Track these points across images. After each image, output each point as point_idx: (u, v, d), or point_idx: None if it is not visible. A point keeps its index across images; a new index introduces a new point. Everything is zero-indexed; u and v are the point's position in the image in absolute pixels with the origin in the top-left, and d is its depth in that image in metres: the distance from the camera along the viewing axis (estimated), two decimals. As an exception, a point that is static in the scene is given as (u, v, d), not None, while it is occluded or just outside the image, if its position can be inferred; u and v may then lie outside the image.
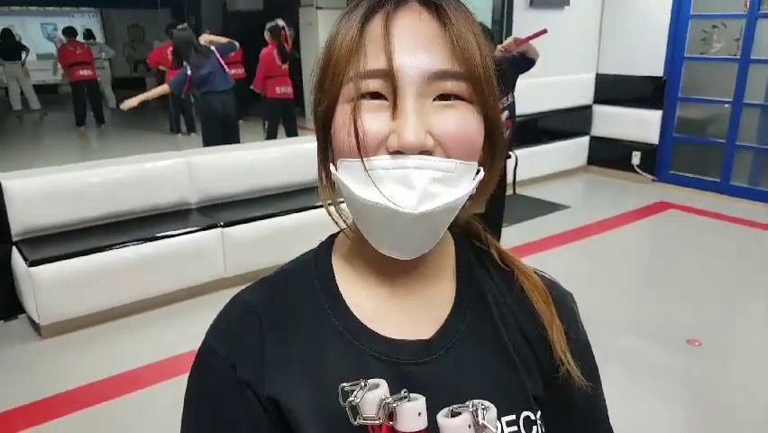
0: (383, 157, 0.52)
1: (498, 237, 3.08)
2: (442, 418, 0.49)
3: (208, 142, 4.98)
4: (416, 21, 0.53)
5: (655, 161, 5.99)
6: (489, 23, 5.25)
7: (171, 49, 7.88)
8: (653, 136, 5.95)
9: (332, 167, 0.57)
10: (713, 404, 2.56)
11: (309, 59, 9.20)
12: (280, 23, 6.43)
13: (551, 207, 5.07)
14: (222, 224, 3.54)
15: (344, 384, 0.50)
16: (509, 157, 3.11)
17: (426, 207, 0.51)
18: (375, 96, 0.53)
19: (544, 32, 3.16)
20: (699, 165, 5.86)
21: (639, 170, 6.05)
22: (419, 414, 0.49)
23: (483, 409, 0.49)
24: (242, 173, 3.94)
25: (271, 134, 6.44)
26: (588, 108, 6.33)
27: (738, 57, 5.31)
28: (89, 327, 3.15)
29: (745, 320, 3.30)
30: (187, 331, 3.13)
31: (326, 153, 0.59)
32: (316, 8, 8.50)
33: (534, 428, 0.60)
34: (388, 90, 0.52)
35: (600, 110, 6.32)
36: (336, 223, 0.65)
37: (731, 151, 5.52)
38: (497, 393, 0.58)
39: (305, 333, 0.60)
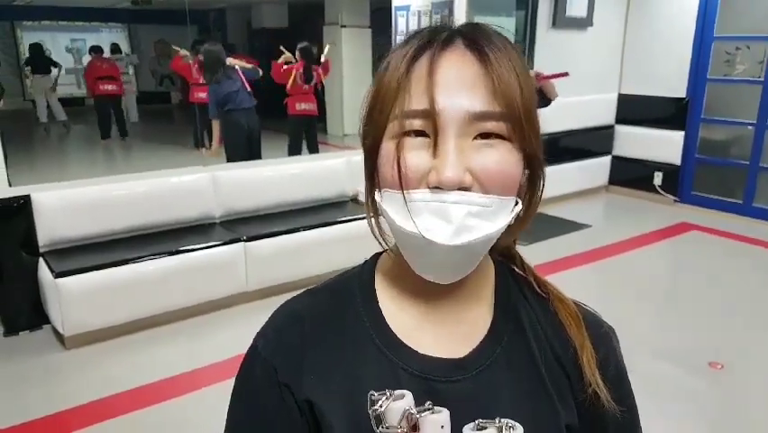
0: (423, 191, 0.55)
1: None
2: (468, 430, 0.50)
3: (232, 157, 5.07)
4: (460, 62, 0.56)
5: (677, 181, 5.94)
6: (510, 43, 5.27)
7: (197, 65, 8.07)
8: (675, 157, 5.91)
9: (377, 194, 0.61)
10: (734, 428, 2.52)
11: (332, 77, 9.30)
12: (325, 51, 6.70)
13: (572, 227, 5.05)
14: (245, 238, 3.59)
15: (373, 392, 0.52)
16: None
17: (462, 240, 0.54)
18: (418, 133, 0.56)
19: (566, 74, 3.19)
20: (722, 186, 5.79)
21: (661, 191, 6.00)
22: (442, 427, 0.50)
23: (510, 427, 0.50)
24: (264, 188, 4.00)
25: (293, 150, 6.52)
26: (610, 128, 6.31)
27: (762, 79, 5.27)
28: (113, 339, 3.20)
29: (758, 346, 3.25)
30: (209, 344, 3.19)
31: (373, 180, 0.63)
32: (341, 27, 8.61)
33: None
34: (431, 129, 0.55)
35: (622, 130, 6.29)
36: (380, 243, 0.68)
37: (754, 172, 5.46)
38: (528, 419, 0.59)
39: (344, 344, 0.63)
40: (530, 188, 0.62)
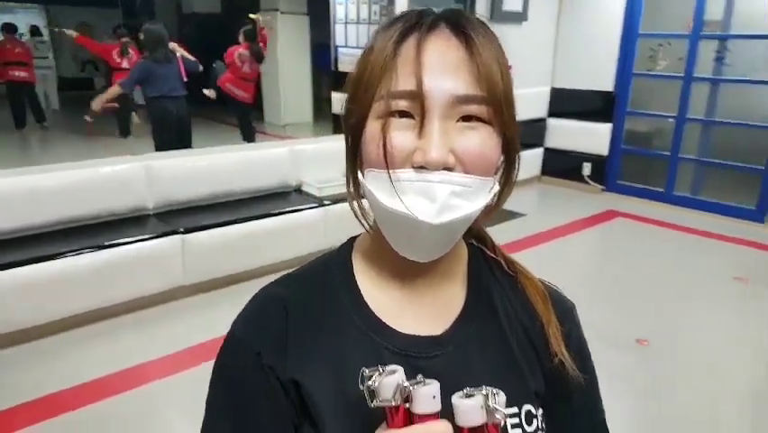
0: (408, 171, 0.57)
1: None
2: (456, 399, 0.52)
3: (160, 146, 4.91)
4: (445, 46, 0.57)
5: (605, 171, 6.21)
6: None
7: (118, 50, 7.73)
8: (602, 148, 6.17)
9: (360, 174, 0.62)
10: (662, 400, 2.69)
11: (268, 63, 9.13)
12: (259, 21, 6.50)
13: (508, 216, 5.20)
14: (182, 230, 3.48)
15: (365, 369, 0.53)
16: None
17: (445, 218, 0.56)
18: (403, 114, 0.57)
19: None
20: (646, 176, 6.11)
21: (589, 181, 6.27)
22: (434, 397, 0.52)
23: (495, 393, 0.52)
24: (202, 178, 3.89)
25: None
26: (542, 121, 6.52)
27: (682, 74, 5.57)
28: (43, 338, 3.04)
29: (689, 320, 3.47)
30: (144, 340, 3.09)
31: (355, 161, 0.64)
32: (280, 12, 8.47)
33: (535, 421, 0.65)
34: (416, 110, 0.57)
35: (554, 123, 6.51)
36: (361, 223, 0.69)
37: (675, 162, 5.79)
38: (503, 385, 0.61)
39: (326, 324, 0.65)
40: (505, 172, 0.65)
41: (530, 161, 6.50)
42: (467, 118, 0.58)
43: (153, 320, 3.31)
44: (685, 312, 3.59)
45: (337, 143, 4.75)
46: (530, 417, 0.65)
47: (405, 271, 0.66)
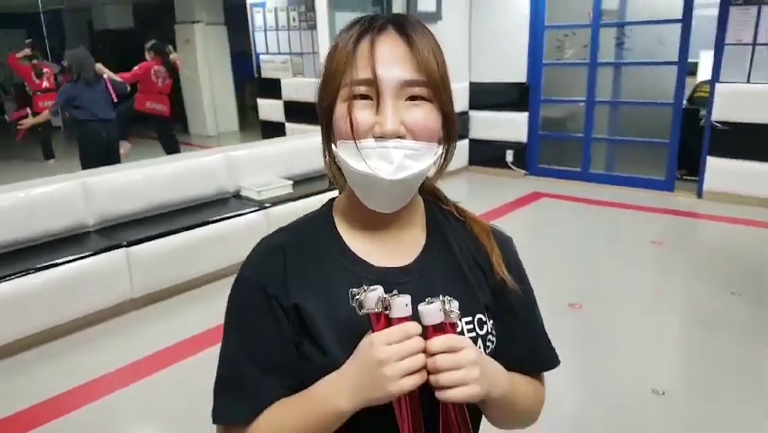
0: (370, 140, 0.74)
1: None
2: (421, 306, 0.70)
3: (87, 167, 4.85)
4: (392, 43, 0.75)
5: (526, 157, 6.59)
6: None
7: (34, 70, 7.48)
8: (522, 135, 6.54)
9: (333, 146, 0.79)
10: (594, 360, 2.96)
11: (188, 76, 9.02)
12: (171, 53, 6.53)
13: (440, 205, 5.43)
14: (125, 243, 3.49)
15: (353, 289, 0.70)
16: None
17: (401, 174, 0.74)
18: (364, 97, 0.75)
19: None
20: (563, 158, 6.53)
21: (513, 167, 6.62)
22: (406, 305, 0.69)
23: (449, 300, 0.71)
24: (140, 191, 3.90)
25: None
26: (464, 114, 6.82)
27: (588, 61, 6.01)
28: (-9, 362, 3.01)
29: (616, 283, 3.80)
30: (95, 357, 3.09)
31: (328, 137, 0.81)
32: (192, 23, 8.39)
33: (485, 326, 0.83)
34: (373, 93, 0.74)
35: (476, 115, 6.83)
36: (336, 185, 0.88)
37: (588, 143, 6.22)
38: (460, 300, 0.79)
39: (317, 263, 0.82)
40: (446, 140, 0.82)
41: (457, 152, 6.38)
42: (413, 98, 0.75)
43: (105, 335, 3.31)
44: (611, 276, 3.92)
45: (271, 148, 4.82)
46: (481, 323, 0.82)
47: (374, 221, 0.83)
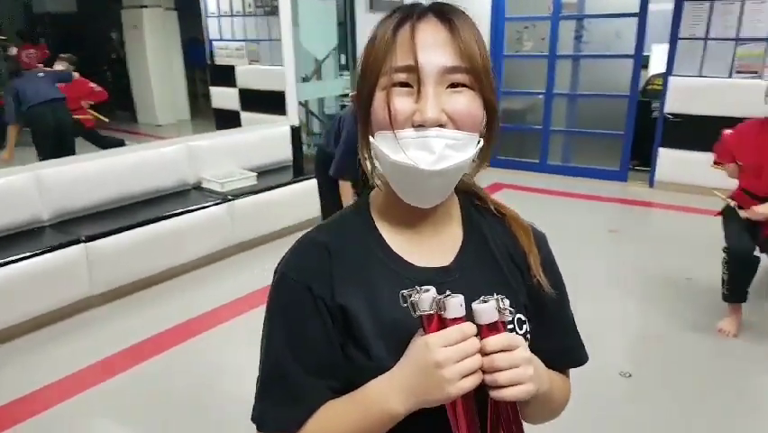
0: (409, 130, 0.71)
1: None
2: (475, 304, 0.68)
3: (44, 155, 4.62)
4: (433, 29, 0.72)
5: (486, 148, 6.63)
6: (334, 27, 5.47)
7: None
8: (482, 127, 6.58)
9: (371, 138, 0.75)
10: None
11: (136, 62, 8.72)
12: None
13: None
14: (83, 238, 3.33)
15: (404, 291, 0.68)
16: None
17: (441, 165, 0.70)
18: (403, 84, 0.71)
19: None
20: (522, 149, 6.63)
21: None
22: (461, 305, 0.68)
23: (502, 298, 0.69)
24: (98, 183, 3.74)
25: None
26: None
27: (547, 54, 6.10)
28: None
29: (579, 270, 3.84)
30: (53, 358, 2.95)
31: (366, 127, 0.77)
32: (141, 7, 8.06)
33: (525, 326, 0.82)
34: (414, 80, 0.71)
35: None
36: (373, 181, 0.83)
37: (546, 135, 6.34)
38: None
39: (359, 262, 0.79)
40: (488, 131, 0.78)
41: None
42: (454, 85, 0.71)
43: (64, 335, 3.16)
44: (574, 263, 3.95)
45: (233, 138, 4.68)
46: (521, 323, 0.81)
47: (412, 218, 0.80)
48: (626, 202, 5.35)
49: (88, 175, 3.72)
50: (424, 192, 0.74)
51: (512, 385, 0.67)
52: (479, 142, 0.75)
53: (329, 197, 3.17)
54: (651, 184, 5.63)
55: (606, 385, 2.63)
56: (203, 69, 8.34)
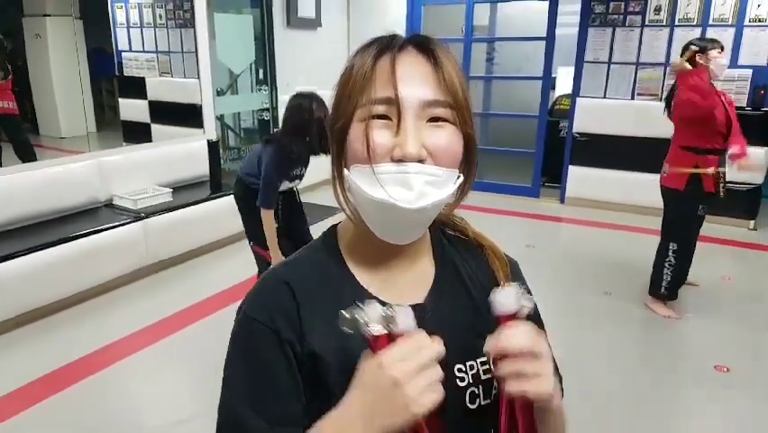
0: (388, 164, 0.67)
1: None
2: (494, 293, 0.68)
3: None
4: (414, 62, 0.70)
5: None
6: (251, 41, 5.40)
7: None
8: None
9: (345, 171, 0.72)
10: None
11: (38, 72, 8.21)
12: None
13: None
14: (-15, 261, 3.08)
15: (342, 311, 0.62)
16: None
17: (421, 203, 0.67)
18: (382, 117, 0.69)
19: None
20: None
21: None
22: (411, 317, 0.63)
23: (522, 287, 0.68)
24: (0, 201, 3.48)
25: None
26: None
27: (483, 75, 6.30)
28: None
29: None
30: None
31: (339, 160, 0.74)
32: (43, 16, 7.62)
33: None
34: (393, 113, 0.68)
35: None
36: (347, 214, 0.78)
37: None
38: (472, 336, 0.75)
39: (327, 301, 0.73)
40: (467, 166, 0.76)
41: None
42: (434, 119, 0.69)
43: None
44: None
45: (146, 152, 4.51)
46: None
47: (384, 254, 0.77)
48: (539, 217, 5.57)
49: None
50: (400, 229, 0.72)
51: (534, 379, 0.64)
52: (458, 177, 0.73)
53: (251, 222, 3.11)
54: (562, 200, 5.91)
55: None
56: (110, 80, 8.00)
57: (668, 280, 3.36)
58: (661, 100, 4.99)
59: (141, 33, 6.11)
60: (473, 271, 0.84)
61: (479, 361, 0.76)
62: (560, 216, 5.66)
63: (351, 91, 0.70)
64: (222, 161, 5.50)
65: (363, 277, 0.77)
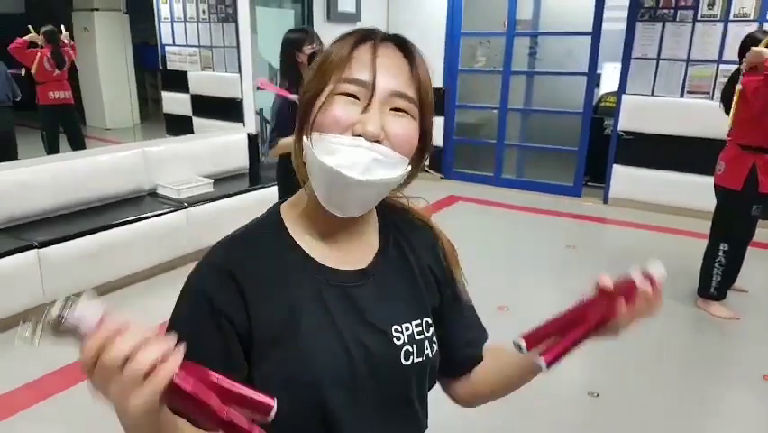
0: (347, 137, 0.73)
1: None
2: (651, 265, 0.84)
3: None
4: (392, 54, 0.78)
5: (442, 161, 6.73)
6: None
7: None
8: (438, 140, 6.65)
9: (305, 138, 0.77)
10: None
11: (85, 65, 8.42)
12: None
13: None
14: (36, 244, 3.18)
15: (48, 304, 0.54)
16: None
17: (366, 177, 0.72)
18: (350, 95, 0.75)
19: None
20: (477, 162, 6.73)
21: (429, 171, 6.73)
22: (94, 303, 0.55)
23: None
24: (51, 188, 3.59)
25: (52, 146, 5.83)
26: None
27: (501, 69, 6.23)
28: None
29: (538, 284, 3.95)
30: (9, 364, 2.79)
31: (302, 128, 0.79)
32: (91, 10, 7.83)
33: (431, 329, 0.88)
34: (363, 95, 0.74)
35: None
36: (302, 181, 0.84)
37: (501, 149, 6.45)
38: (410, 303, 0.86)
39: (274, 272, 0.79)
40: (418, 158, 0.82)
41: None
42: (398, 110, 0.76)
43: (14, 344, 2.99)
44: (533, 278, 4.06)
45: (189, 144, 4.60)
46: (428, 325, 0.87)
47: (329, 226, 0.83)
48: (581, 218, 5.45)
49: (41, 180, 3.57)
50: (344, 200, 0.76)
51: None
52: (407, 166, 0.78)
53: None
54: (605, 200, 5.79)
55: (573, 405, 2.65)
56: (153, 74, 8.18)
57: (718, 281, 3.27)
58: (712, 98, 4.87)
59: (185, 28, 6.22)
60: (417, 247, 0.91)
61: (413, 323, 0.85)
62: (603, 216, 5.53)
63: (326, 69, 0.77)
64: (260, 155, 5.57)
65: (306, 244, 0.82)
